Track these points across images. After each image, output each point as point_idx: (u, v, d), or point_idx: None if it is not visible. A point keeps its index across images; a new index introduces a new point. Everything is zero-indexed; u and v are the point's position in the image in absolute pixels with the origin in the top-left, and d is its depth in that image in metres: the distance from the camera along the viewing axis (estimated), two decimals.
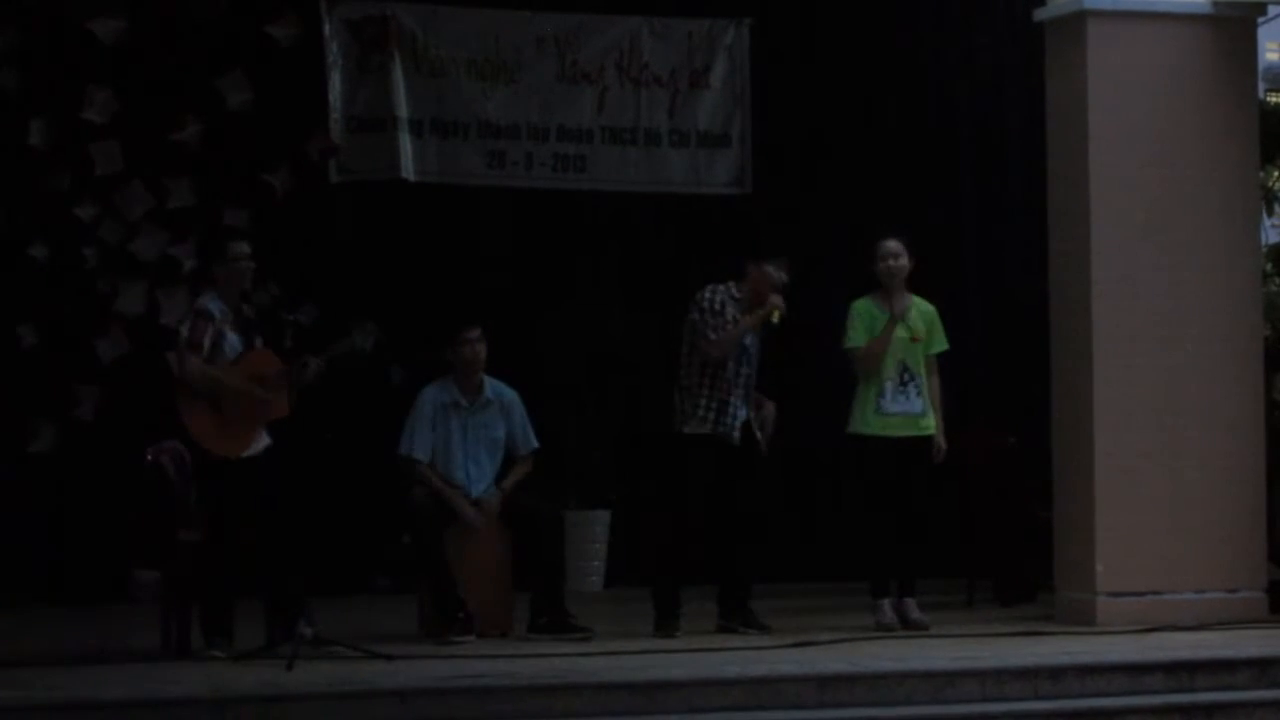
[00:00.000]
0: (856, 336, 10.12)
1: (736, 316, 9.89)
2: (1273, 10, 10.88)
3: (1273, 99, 12.93)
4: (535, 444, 10.24)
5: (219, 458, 9.16)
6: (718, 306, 9.90)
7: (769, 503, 10.51)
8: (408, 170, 12.52)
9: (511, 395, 10.23)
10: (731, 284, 9.97)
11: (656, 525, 10.23)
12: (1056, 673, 8.57)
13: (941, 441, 10.16)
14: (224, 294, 9.35)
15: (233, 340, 9.29)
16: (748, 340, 9.95)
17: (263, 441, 9.27)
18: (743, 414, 9.93)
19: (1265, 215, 12.13)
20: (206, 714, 7.71)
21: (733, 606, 9.98)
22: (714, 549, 10.03)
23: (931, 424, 10.15)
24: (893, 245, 10.15)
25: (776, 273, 9.93)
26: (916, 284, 10.28)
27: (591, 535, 12.70)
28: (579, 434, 12.73)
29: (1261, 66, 11.34)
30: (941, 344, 10.27)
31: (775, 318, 9.84)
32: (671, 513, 10.02)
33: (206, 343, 9.24)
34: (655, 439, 10.65)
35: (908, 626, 10.03)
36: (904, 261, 10.13)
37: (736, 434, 9.89)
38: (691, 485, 9.91)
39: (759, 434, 9.99)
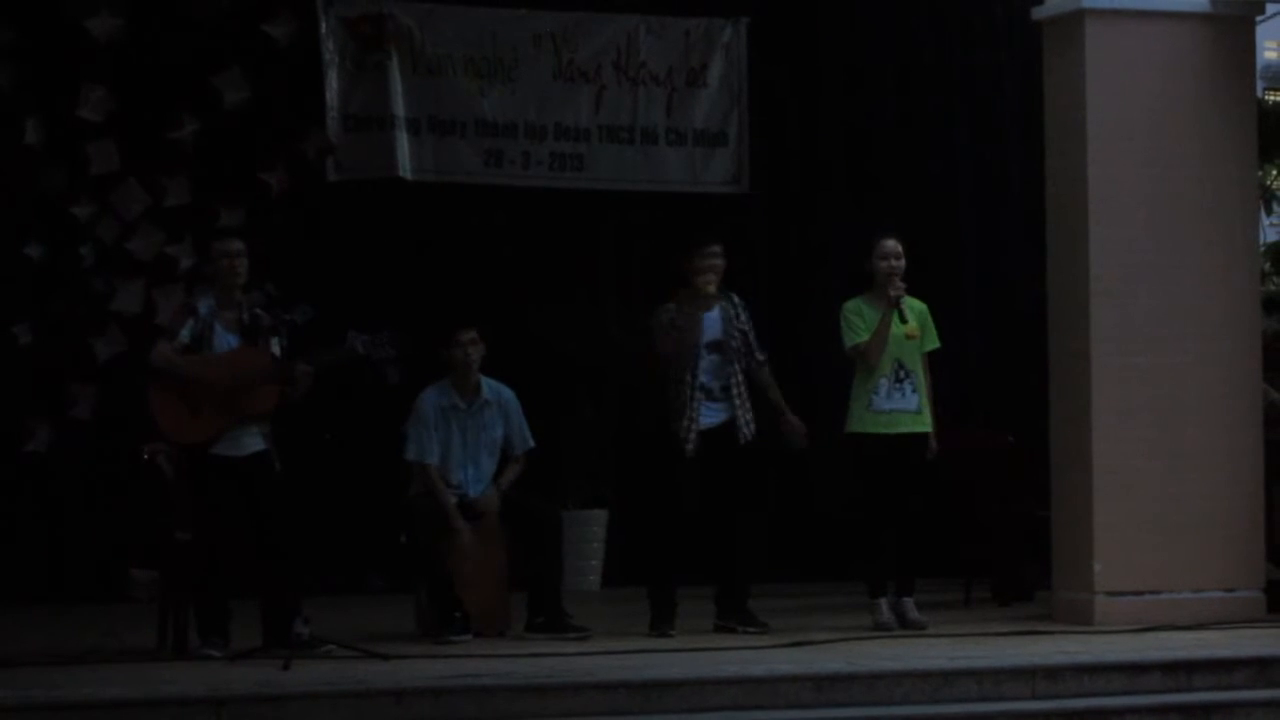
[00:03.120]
0: (859, 333, 10.07)
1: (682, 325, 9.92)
2: (1271, 9, 10.87)
3: (1271, 98, 12.95)
4: (531, 443, 10.21)
5: (208, 457, 9.11)
6: (665, 322, 9.91)
7: (765, 502, 10.48)
8: (405, 169, 12.50)
9: (509, 395, 10.19)
10: (671, 304, 9.99)
11: (648, 524, 10.22)
12: (1054, 672, 8.57)
13: (932, 440, 10.13)
14: (217, 293, 9.30)
15: (228, 340, 9.21)
16: (710, 338, 9.91)
17: (249, 444, 9.18)
18: (716, 415, 9.89)
19: (1264, 214, 12.14)
20: (203, 714, 7.69)
21: (731, 606, 9.96)
22: (711, 548, 10.02)
23: (927, 421, 10.12)
24: (892, 245, 10.11)
25: (712, 259, 9.92)
26: (915, 283, 10.24)
27: (589, 534, 12.68)
28: (576, 433, 12.71)
29: (1260, 65, 11.35)
30: (933, 342, 10.24)
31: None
32: (658, 511, 10.01)
33: (185, 333, 9.17)
34: (648, 438, 10.62)
35: (905, 626, 10.02)
36: (904, 262, 10.11)
37: (693, 438, 9.83)
38: (671, 484, 9.89)
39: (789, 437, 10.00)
